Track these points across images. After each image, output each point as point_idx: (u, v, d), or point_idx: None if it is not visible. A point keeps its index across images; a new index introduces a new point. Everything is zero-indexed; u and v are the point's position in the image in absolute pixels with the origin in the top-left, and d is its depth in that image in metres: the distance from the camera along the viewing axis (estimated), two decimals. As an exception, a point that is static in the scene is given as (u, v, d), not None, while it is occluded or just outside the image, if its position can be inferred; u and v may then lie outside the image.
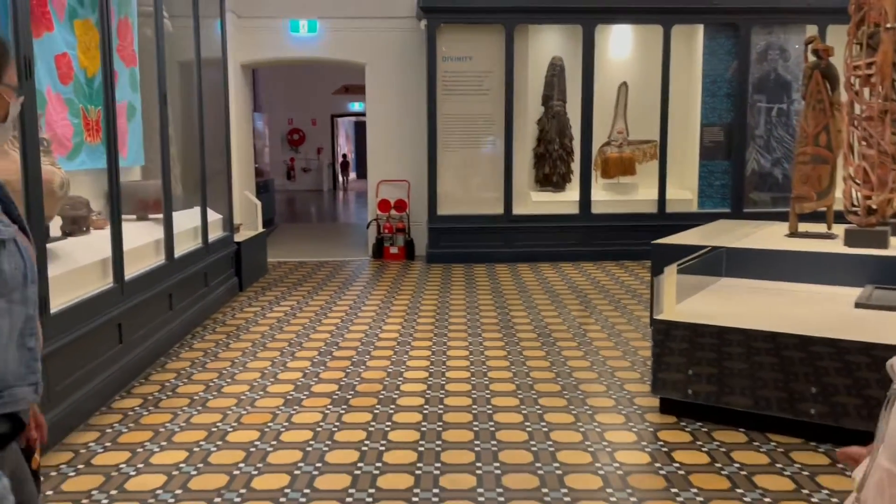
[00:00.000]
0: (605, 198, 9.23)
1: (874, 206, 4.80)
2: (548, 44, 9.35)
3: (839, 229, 5.51)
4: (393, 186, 9.45)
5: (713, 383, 3.78)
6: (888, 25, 4.64)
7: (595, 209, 9.06)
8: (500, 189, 8.99)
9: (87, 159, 5.21)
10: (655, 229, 9.02)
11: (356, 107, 21.70)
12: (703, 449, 3.52)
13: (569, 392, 4.33)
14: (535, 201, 9.16)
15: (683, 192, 9.34)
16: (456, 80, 8.93)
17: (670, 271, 3.95)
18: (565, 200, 9.15)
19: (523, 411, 4.01)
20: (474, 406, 4.10)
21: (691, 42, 9.21)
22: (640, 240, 8.99)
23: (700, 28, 9.02)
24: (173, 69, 6.66)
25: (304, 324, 5.97)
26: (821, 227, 5.56)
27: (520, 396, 4.24)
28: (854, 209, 4.98)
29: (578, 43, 9.00)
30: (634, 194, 9.34)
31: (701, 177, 9.28)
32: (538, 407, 4.08)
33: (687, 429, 3.75)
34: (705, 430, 3.73)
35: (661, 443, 3.60)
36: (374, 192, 9.46)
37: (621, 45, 9.47)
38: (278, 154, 20.58)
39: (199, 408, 4.14)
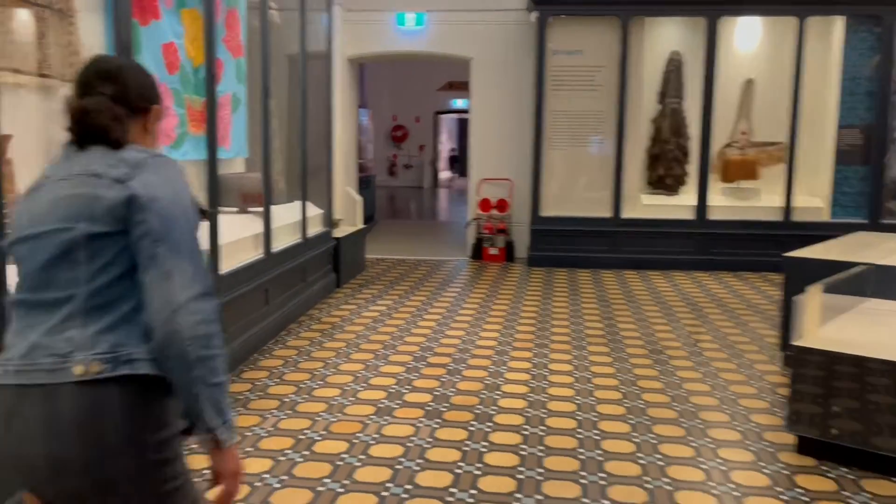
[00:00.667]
0: (724, 203, 8.57)
1: None
2: (665, 38, 8.77)
3: None
4: (495, 185, 9.13)
5: (861, 422, 3.25)
6: None
7: (712, 215, 8.43)
8: (608, 190, 8.51)
9: (190, 150, 5.17)
10: (780, 239, 8.33)
11: (459, 104, 21.56)
12: (851, 501, 3.01)
13: (686, 420, 3.88)
14: (645, 205, 8.61)
15: (813, 200, 8.55)
16: (565, 75, 8.51)
17: (814, 291, 3.44)
18: (679, 205, 8.56)
19: (635, 440, 3.61)
20: (579, 430, 3.73)
21: (828, 35, 8.40)
22: (761, 250, 8.34)
23: (839, 20, 8.22)
24: (281, 62, 6.60)
25: (399, 325, 5.75)
26: None
27: (631, 422, 3.84)
28: None
29: (699, 36, 8.38)
30: (756, 200, 8.63)
31: (834, 183, 8.46)
32: (652, 436, 3.66)
33: (830, 475, 3.24)
34: (852, 477, 3.21)
35: (800, 490, 3.11)
36: (474, 190, 9.18)
37: (748, 38, 8.76)
38: (381, 150, 20.70)
39: (289, 411, 3.96)
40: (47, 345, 1.40)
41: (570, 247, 8.53)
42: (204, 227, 4.50)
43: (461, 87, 19.62)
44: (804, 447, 3.43)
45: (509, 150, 9.08)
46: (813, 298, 3.41)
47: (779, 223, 8.39)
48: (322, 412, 3.95)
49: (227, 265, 4.67)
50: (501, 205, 9.01)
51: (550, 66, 8.45)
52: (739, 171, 8.67)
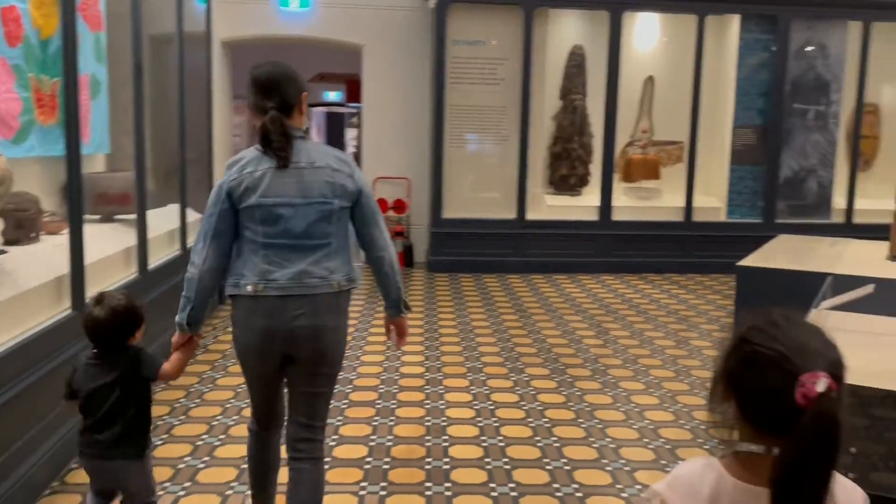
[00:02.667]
0: (627, 204, 8.35)
1: None
2: (568, 31, 8.41)
3: (950, 253, 4.69)
4: (391, 184, 8.42)
5: (888, 467, 2.86)
6: None
7: (616, 216, 8.17)
8: (511, 191, 8.03)
9: (37, 144, 4.08)
10: (681, 240, 8.25)
11: (332, 96, 20.55)
12: (889, 562, 2.62)
13: (666, 461, 3.39)
14: (550, 205, 8.22)
15: (710, 200, 8.51)
16: (466, 67, 7.93)
17: (822, 316, 3.03)
18: (584, 206, 8.23)
19: (623, 495, 3.06)
20: (556, 484, 3.13)
21: (725, 35, 8.37)
22: (664, 251, 8.18)
23: (736, 19, 8.18)
24: (144, 44, 5.55)
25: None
26: (926, 250, 4.73)
27: (608, 469, 3.29)
28: None
29: (601, 31, 8.08)
30: (658, 200, 8.48)
31: (730, 183, 8.45)
32: (639, 486, 3.13)
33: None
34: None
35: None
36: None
37: (648, 35, 8.58)
38: (247, 145, 19.32)
39: (185, 484, 3.09)
40: (313, 271, 2.29)
41: (473, 250, 7.98)
42: (64, 245, 3.52)
43: (333, 78, 18.71)
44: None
45: (406, 147, 8.41)
46: (823, 323, 3.00)
47: (680, 223, 8.27)
48: (231, 481, 3.12)
49: (93, 290, 3.68)
50: (399, 205, 8.32)
51: (450, 56, 7.84)
52: (641, 170, 8.48)
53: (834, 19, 8.18)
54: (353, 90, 13.42)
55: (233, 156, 2.44)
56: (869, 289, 2.87)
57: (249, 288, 2.27)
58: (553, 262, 8.01)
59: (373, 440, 3.54)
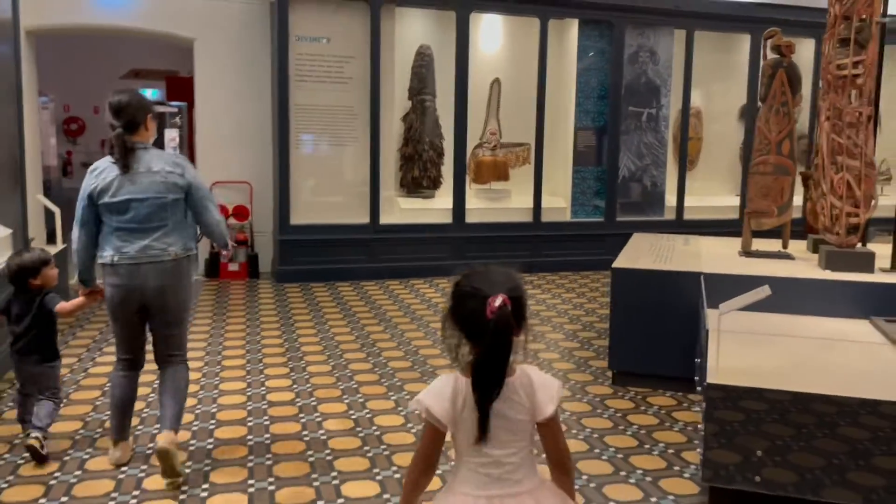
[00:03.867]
0: (478, 206, 8.31)
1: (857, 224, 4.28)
2: (414, 29, 8.21)
3: (794, 248, 5.01)
4: (230, 189, 7.78)
5: (793, 468, 2.88)
6: (878, 20, 4.12)
7: (468, 218, 8.09)
8: (363, 194, 7.70)
9: None
10: (532, 240, 8.35)
11: (147, 95, 19.00)
12: (806, 563, 2.63)
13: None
14: (403, 209, 7.98)
15: (556, 200, 8.68)
16: (311, 65, 7.48)
17: (720, 318, 3.01)
18: (437, 208, 8.08)
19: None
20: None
21: (565, 39, 8.57)
22: (515, 251, 8.21)
23: (575, 24, 8.40)
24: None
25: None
26: (773, 245, 5.01)
27: (517, 492, 3.09)
28: (830, 227, 4.43)
29: (447, 31, 7.97)
30: (508, 202, 8.52)
31: (573, 183, 8.67)
32: None
33: (763, 529, 2.84)
34: (781, 527, 2.85)
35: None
36: (205, 196, 7.71)
37: (493, 37, 8.59)
38: (50, 146, 17.31)
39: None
40: (154, 245, 3.09)
41: (325, 258, 7.57)
42: None
43: (151, 75, 17.28)
44: (719, 499, 3.00)
45: (246, 149, 7.81)
46: (721, 326, 2.99)
47: (529, 224, 8.36)
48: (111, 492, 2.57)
49: None
50: (240, 212, 7.70)
51: (294, 53, 7.36)
52: (491, 172, 8.48)
53: (662, 27, 8.64)
54: (174, 88, 12.36)
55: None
56: (766, 290, 2.89)
57: (108, 259, 3.10)
58: (409, 266, 7.78)
59: (252, 485, 3.09)
